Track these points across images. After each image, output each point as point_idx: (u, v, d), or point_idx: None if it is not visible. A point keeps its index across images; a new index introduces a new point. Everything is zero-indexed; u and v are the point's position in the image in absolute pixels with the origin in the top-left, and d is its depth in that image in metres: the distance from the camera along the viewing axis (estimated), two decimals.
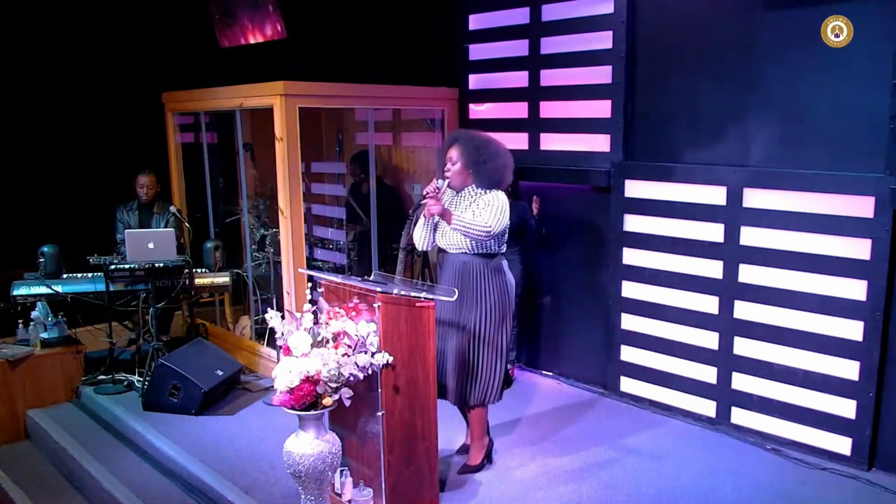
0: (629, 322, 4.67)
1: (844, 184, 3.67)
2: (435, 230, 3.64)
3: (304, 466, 3.05)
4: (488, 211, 3.47)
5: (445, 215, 3.50)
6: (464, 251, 3.53)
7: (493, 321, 3.53)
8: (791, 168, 3.91)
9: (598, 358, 4.90)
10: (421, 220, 3.66)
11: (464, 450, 3.90)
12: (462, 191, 3.61)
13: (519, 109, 5.13)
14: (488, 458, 3.83)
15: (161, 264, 4.88)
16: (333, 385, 2.98)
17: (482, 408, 3.66)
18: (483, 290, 3.52)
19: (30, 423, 4.84)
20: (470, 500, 3.50)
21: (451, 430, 4.19)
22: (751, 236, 4.03)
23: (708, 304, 4.26)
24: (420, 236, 3.68)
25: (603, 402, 4.73)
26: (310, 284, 4.50)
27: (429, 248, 3.72)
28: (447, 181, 3.57)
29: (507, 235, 3.61)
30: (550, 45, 4.89)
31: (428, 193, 3.52)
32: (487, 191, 3.54)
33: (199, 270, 5.33)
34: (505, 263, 3.64)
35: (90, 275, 5.11)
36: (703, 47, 4.21)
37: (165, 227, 5.54)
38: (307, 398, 2.97)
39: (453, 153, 3.57)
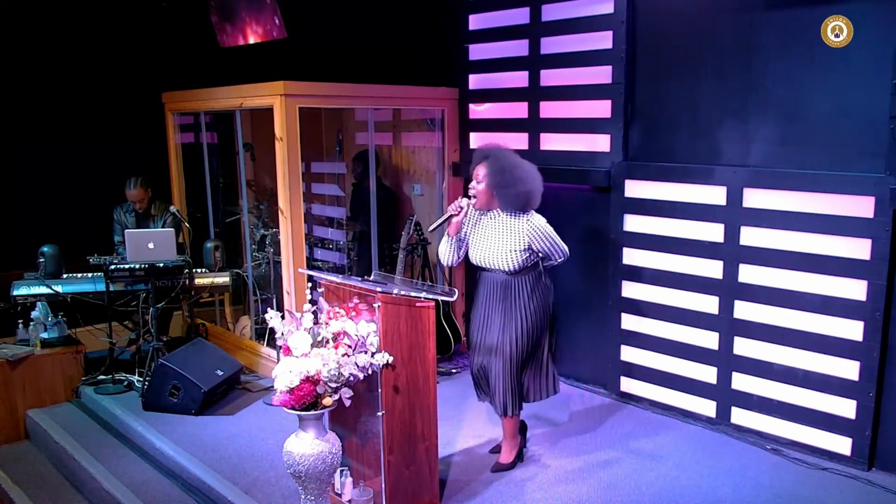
0: (629, 322, 4.67)
1: (844, 184, 3.66)
2: (460, 247, 3.70)
3: (304, 466, 3.05)
4: (548, 247, 3.58)
5: None
6: (505, 270, 3.57)
7: (535, 332, 3.61)
8: (791, 168, 3.91)
9: (598, 358, 4.90)
10: (444, 238, 3.70)
11: (497, 449, 3.93)
12: (488, 212, 3.64)
13: (519, 109, 5.13)
14: (520, 457, 3.87)
15: (161, 264, 4.88)
16: (333, 385, 2.98)
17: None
18: (525, 303, 3.59)
19: (30, 423, 4.85)
20: (470, 500, 3.50)
21: (451, 430, 4.20)
22: (751, 236, 4.03)
23: (708, 304, 4.26)
24: (445, 252, 3.71)
25: (603, 402, 4.73)
26: (310, 284, 4.50)
27: (454, 265, 3.76)
28: (472, 200, 3.60)
29: None
30: (550, 45, 4.88)
31: (451, 211, 3.60)
32: (517, 216, 3.56)
33: (199, 270, 5.33)
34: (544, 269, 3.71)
35: (90, 275, 5.11)
36: (703, 47, 4.21)
37: (163, 227, 5.53)
38: (307, 398, 2.97)
39: (480, 171, 3.59)
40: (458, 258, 3.71)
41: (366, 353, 3.07)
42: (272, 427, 4.30)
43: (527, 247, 3.55)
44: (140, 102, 6.23)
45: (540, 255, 3.62)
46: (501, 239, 3.58)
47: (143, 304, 5.14)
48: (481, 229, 3.66)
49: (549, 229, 3.59)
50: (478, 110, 5.43)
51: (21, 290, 4.98)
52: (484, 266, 3.65)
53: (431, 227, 3.72)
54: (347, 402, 3.06)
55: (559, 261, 3.69)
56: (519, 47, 5.06)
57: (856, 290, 3.69)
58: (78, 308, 5.10)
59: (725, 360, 4.23)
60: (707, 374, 4.32)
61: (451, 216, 3.60)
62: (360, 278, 3.47)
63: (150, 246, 4.82)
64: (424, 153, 5.86)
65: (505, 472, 3.76)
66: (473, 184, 3.61)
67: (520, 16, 5.02)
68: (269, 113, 4.79)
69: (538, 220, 3.58)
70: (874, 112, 3.58)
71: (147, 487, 3.86)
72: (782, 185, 3.89)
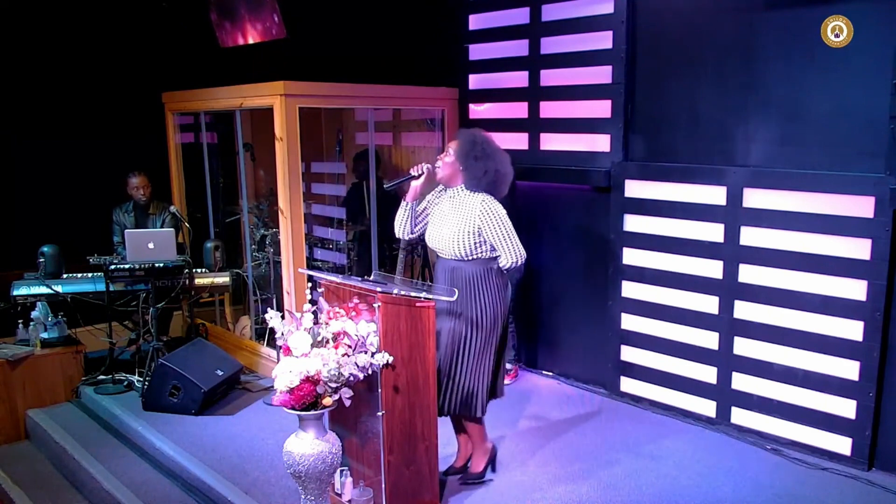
0: (629, 322, 4.67)
1: (844, 184, 3.67)
2: (413, 218, 3.58)
3: (304, 466, 3.05)
4: (499, 238, 3.38)
5: None
6: (455, 257, 3.43)
7: (481, 329, 3.41)
8: (791, 168, 3.91)
9: (598, 358, 4.90)
10: (401, 206, 3.61)
11: (453, 471, 3.71)
12: (450, 189, 3.52)
13: (519, 109, 5.13)
14: (492, 467, 3.73)
15: (161, 264, 4.88)
16: (333, 385, 2.98)
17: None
18: (473, 296, 3.39)
19: (30, 423, 4.85)
20: (470, 500, 3.50)
21: (450, 431, 4.19)
22: (751, 236, 4.03)
23: (708, 304, 4.26)
24: (399, 221, 3.62)
25: (603, 402, 4.73)
26: (310, 284, 4.50)
27: (406, 237, 3.63)
28: (435, 168, 3.50)
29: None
30: (550, 45, 4.89)
31: (412, 172, 3.50)
32: (475, 193, 3.43)
33: (199, 270, 5.33)
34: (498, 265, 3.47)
35: (90, 275, 5.11)
36: (703, 47, 4.21)
37: (162, 227, 5.53)
38: (307, 398, 2.97)
39: (451, 146, 3.50)
40: (411, 231, 3.59)
41: (366, 353, 3.07)
42: (272, 427, 4.30)
43: (477, 230, 3.36)
44: (140, 102, 6.23)
45: (492, 247, 3.41)
46: (456, 219, 3.42)
47: (143, 304, 5.14)
48: (440, 209, 3.53)
49: (505, 219, 3.40)
50: (478, 110, 5.43)
51: (21, 290, 4.98)
52: (437, 250, 3.52)
53: (387, 185, 3.62)
54: (347, 402, 3.06)
55: (511, 263, 3.42)
56: (519, 47, 5.06)
57: (856, 290, 3.69)
58: (78, 308, 5.10)
59: (725, 360, 4.22)
60: (707, 374, 4.32)
61: (412, 177, 3.51)
62: (360, 278, 3.46)
63: (150, 246, 4.82)
64: (424, 153, 5.86)
65: (505, 473, 3.75)
66: (441, 156, 3.52)
67: (520, 16, 5.02)
68: (269, 113, 4.80)
69: (495, 205, 3.40)
70: (874, 112, 3.58)
71: (147, 487, 3.86)
72: (782, 185, 3.89)
